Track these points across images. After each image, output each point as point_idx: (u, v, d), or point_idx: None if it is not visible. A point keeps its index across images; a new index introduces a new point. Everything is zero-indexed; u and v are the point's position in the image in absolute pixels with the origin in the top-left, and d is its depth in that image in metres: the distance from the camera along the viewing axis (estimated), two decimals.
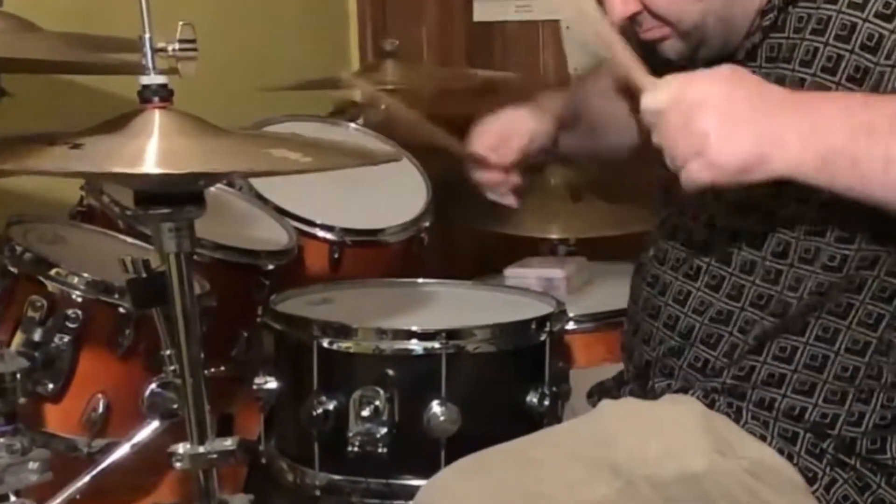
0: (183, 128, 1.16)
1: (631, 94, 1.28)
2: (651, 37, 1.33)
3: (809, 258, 1.27)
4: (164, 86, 1.17)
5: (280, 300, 1.62)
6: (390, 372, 1.45)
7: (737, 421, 1.32)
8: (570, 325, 1.77)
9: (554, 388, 1.51)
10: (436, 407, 1.43)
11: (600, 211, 2.23)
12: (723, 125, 1.09)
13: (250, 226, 1.88)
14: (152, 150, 1.11)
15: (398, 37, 2.44)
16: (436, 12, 2.81)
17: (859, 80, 1.20)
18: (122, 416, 1.54)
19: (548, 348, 1.51)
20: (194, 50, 1.16)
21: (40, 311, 1.48)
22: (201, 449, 1.24)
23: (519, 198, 1.60)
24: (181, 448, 1.24)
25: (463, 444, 1.40)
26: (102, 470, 1.49)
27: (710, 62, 1.34)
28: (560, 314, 1.57)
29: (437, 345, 1.44)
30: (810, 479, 1.29)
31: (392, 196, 2.09)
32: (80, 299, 1.50)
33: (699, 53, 1.33)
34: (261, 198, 1.94)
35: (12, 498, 1.36)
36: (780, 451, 1.29)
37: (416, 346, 1.45)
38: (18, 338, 1.49)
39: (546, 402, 1.49)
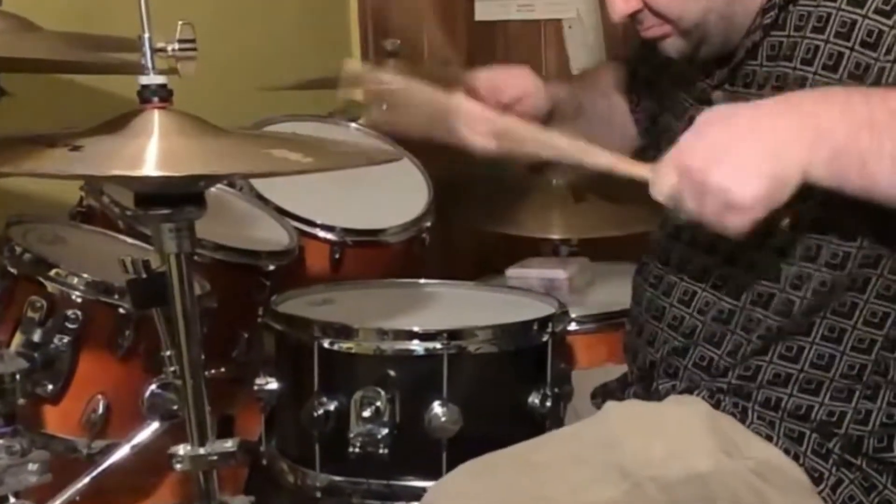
0: (183, 128, 1.16)
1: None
2: (652, 35, 1.33)
3: (811, 256, 1.27)
4: (163, 86, 1.17)
5: (281, 301, 1.61)
6: (391, 373, 1.44)
7: (742, 421, 1.32)
8: (572, 326, 1.76)
9: (556, 389, 1.51)
10: (437, 408, 1.43)
11: (602, 211, 2.23)
12: (734, 174, 1.10)
13: (251, 226, 1.88)
14: (152, 152, 1.11)
15: (399, 36, 2.43)
16: (437, 11, 2.81)
17: (860, 77, 1.20)
18: (122, 417, 1.53)
19: (550, 349, 1.51)
20: (194, 50, 1.16)
21: (40, 311, 1.48)
22: (202, 450, 1.24)
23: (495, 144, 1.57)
24: (181, 449, 1.24)
25: (464, 445, 1.40)
26: (102, 471, 1.49)
27: (711, 60, 1.34)
28: (562, 315, 1.57)
29: (438, 345, 1.44)
30: (816, 480, 1.29)
31: (393, 196, 2.09)
32: (79, 300, 1.49)
33: (700, 51, 1.33)
34: (261, 198, 1.94)
35: (12, 499, 1.36)
36: (787, 452, 1.30)
37: (417, 346, 1.45)
38: (18, 338, 1.49)
39: (548, 404, 1.49)
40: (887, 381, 1.29)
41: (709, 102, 1.37)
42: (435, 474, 1.39)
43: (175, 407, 1.45)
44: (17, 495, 1.36)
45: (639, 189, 1.17)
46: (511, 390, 1.50)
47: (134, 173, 1.08)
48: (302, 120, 2.15)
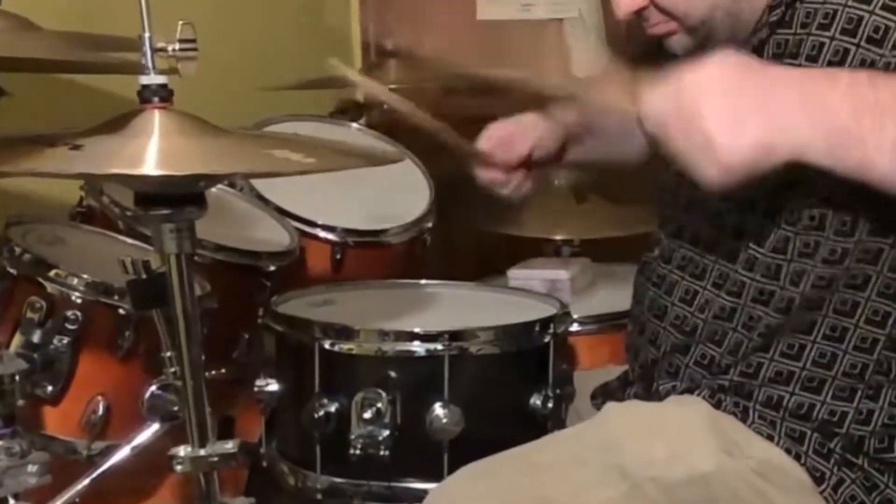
0: (183, 128, 1.15)
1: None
2: (657, 32, 1.33)
3: (809, 252, 1.26)
4: (163, 86, 1.16)
5: (281, 301, 1.61)
6: (392, 374, 1.44)
7: (744, 421, 1.32)
8: (574, 327, 1.76)
9: (558, 391, 1.50)
10: (438, 409, 1.42)
11: (604, 212, 2.23)
12: (725, 126, 1.06)
13: (251, 226, 1.88)
14: (152, 151, 1.11)
15: (400, 36, 2.43)
16: (439, 11, 2.80)
17: None
18: (122, 418, 1.53)
19: (551, 350, 1.50)
20: (194, 50, 1.15)
21: (39, 312, 1.48)
22: (202, 452, 1.23)
23: (522, 195, 1.59)
24: (182, 451, 1.24)
25: (466, 446, 1.40)
26: (102, 473, 1.49)
27: None
28: (564, 316, 1.56)
29: (439, 346, 1.43)
30: (818, 479, 1.28)
31: (394, 196, 2.09)
32: (79, 301, 1.49)
33: (705, 49, 1.32)
34: (262, 198, 1.94)
35: (11, 501, 1.35)
36: (788, 451, 1.29)
37: (418, 347, 1.44)
38: (17, 339, 1.48)
39: (550, 405, 1.49)
40: (889, 381, 1.29)
41: None
42: (436, 476, 1.39)
43: (175, 408, 1.45)
44: (16, 497, 1.35)
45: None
46: (513, 391, 1.50)
47: (134, 172, 1.08)
48: (303, 120, 2.15)
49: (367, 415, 1.41)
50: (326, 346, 1.46)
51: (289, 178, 1.81)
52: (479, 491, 1.29)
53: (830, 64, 1.22)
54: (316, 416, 1.44)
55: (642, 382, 1.44)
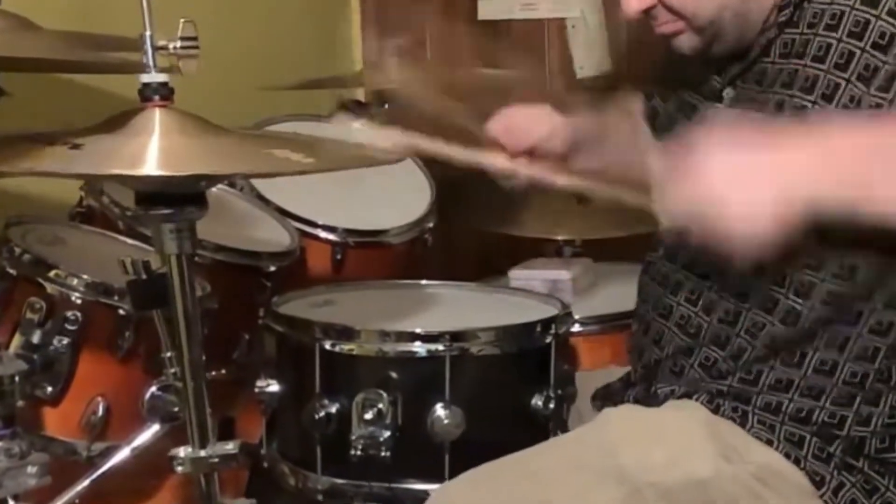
0: (184, 127, 1.15)
1: None
2: (665, 31, 1.33)
3: (815, 264, 1.26)
4: (164, 84, 1.16)
5: (282, 302, 1.61)
6: (393, 374, 1.43)
7: (742, 425, 1.31)
8: (576, 328, 1.75)
9: (559, 391, 1.50)
10: (439, 410, 1.42)
11: (606, 212, 2.22)
12: (743, 212, 1.07)
13: (252, 227, 1.87)
14: (153, 151, 1.10)
15: (402, 35, 2.42)
16: (440, 11, 2.80)
17: (868, 80, 1.20)
18: (122, 419, 1.53)
19: (553, 351, 1.50)
20: (196, 48, 1.15)
21: (39, 313, 1.48)
22: (203, 452, 1.23)
23: (522, 188, 1.58)
24: (182, 451, 1.23)
25: (467, 447, 1.40)
26: (102, 474, 1.48)
27: (724, 57, 1.34)
28: (565, 316, 1.56)
29: (440, 347, 1.43)
30: (818, 484, 1.28)
31: (395, 197, 2.08)
32: (79, 301, 1.49)
33: (713, 48, 1.33)
34: (262, 198, 1.93)
35: (11, 502, 1.35)
36: (787, 456, 1.29)
37: (419, 348, 1.44)
38: (17, 340, 1.48)
39: (551, 406, 1.48)
40: (890, 388, 1.28)
41: (719, 100, 1.36)
42: (437, 477, 1.39)
43: (175, 409, 1.44)
44: (16, 498, 1.35)
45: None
46: (514, 392, 1.49)
47: (134, 172, 1.07)
48: (303, 119, 2.14)
49: (368, 416, 1.41)
50: (327, 346, 1.45)
51: (289, 178, 1.81)
52: (480, 496, 1.29)
53: (836, 66, 1.22)
54: (317, 416, 1.44)
55: (643, 383, 1.44)
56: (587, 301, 2.01)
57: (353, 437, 1.42)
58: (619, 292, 1.92)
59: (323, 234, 1.94)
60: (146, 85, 1.16)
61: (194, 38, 1.15)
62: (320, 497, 1.48)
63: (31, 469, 1.35)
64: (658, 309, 1.41)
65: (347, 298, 1.69)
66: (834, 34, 1.23)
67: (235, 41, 2.26)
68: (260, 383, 1.52)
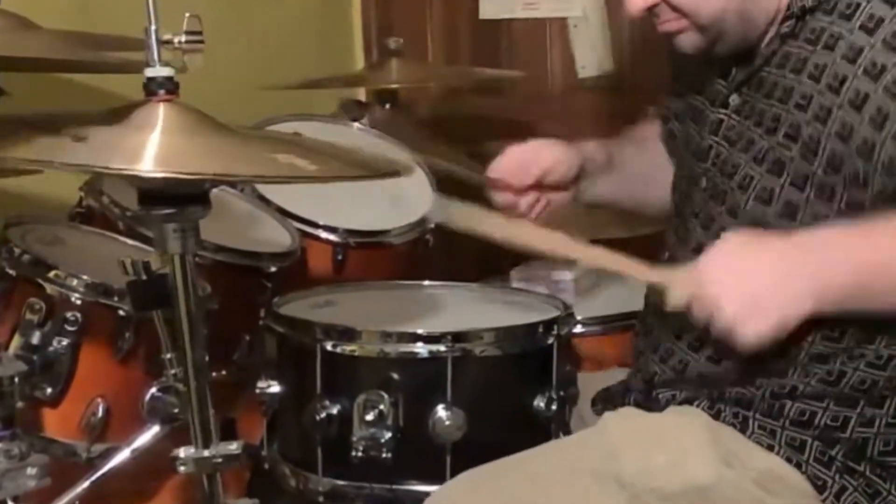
0: (188, 124, 1.14)
1: None
2: (668, 29, 1.33)
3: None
4: (169, 78, 1.15)
5: (283, 303, 1.60)
6: (395, 376, 1.43)
7: (743, 431, 1.32)
8: (578, 329, 1.75)
9: (561, 393, 1.49)
10: (441, 411, 1.41)
11: (609, 212, 2.21)
12: (743, 315, 1.16)
13: (252, 227, 1.87)
14: (154, 149, 1.09)
15: (403, 35, 2.42)
16: (441, 10, 2.80)
17: (858, 107, 1.20)
18: (122, 420, 1.52)
19: (555, 352, 1.50)
20: (201, 42, 1.14)
21: (39, 313, 1.47)
22: (206, 453, 1.23)
23: (538, 215, 1.60)
24: (184, 452, 1.23)
25: (469, 449, 1.40)
26: (102, 475, 1.48)
27: (726, 57, 1.33)
28: (568, 317, 1.55)
29: (442, 348, 1.42)
30: (819, 488, 1.28)
31: (396, 197, 2.07)
32: (79, 302, 1.48)
33: (716, 48, 1.33)
34: (263, 199, 1.93)
35: None
36: (789, 460, 1.29)
37: (421, 349, 1.43)
38: (16, 341, 1.47)
39: (553, 407, 1.48)
40: (894, 391, 1.29)
41: (725, 106, 1.36)
42: (439, 479, 1.38)
43: (175, 410, 1.44)
44: (15, 499, 1.35)
45: None
46: (516, 393, 1.49)
47: (135, 171, 1.07)
48: (305, 119, 2.13)
49: (370, 417, 1.41)
50: (328, 347, 1.45)
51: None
52: (479, 496, 1.29)
53: (830, 88, 1.23)
54: (318, 417, 1.43)
55: (644, 388, 1.43)
56: (589, 302, 2.00)
57: (355, 439, 1.42)
58: (621, 293, 1.92)
59: (324, 235, 1.93)
60: (151, 79, 1.15)
61: (199, 33, 1.14)
62: (321, 498, 1.48)
63: (30, 470, 1.35)
64: (659, 314, 1.40)
65: (349, 299, 1.69)
66: (830, 54, 1.23)
67: (237, 41, 2.26)
68: (261, 384, 1.52)
